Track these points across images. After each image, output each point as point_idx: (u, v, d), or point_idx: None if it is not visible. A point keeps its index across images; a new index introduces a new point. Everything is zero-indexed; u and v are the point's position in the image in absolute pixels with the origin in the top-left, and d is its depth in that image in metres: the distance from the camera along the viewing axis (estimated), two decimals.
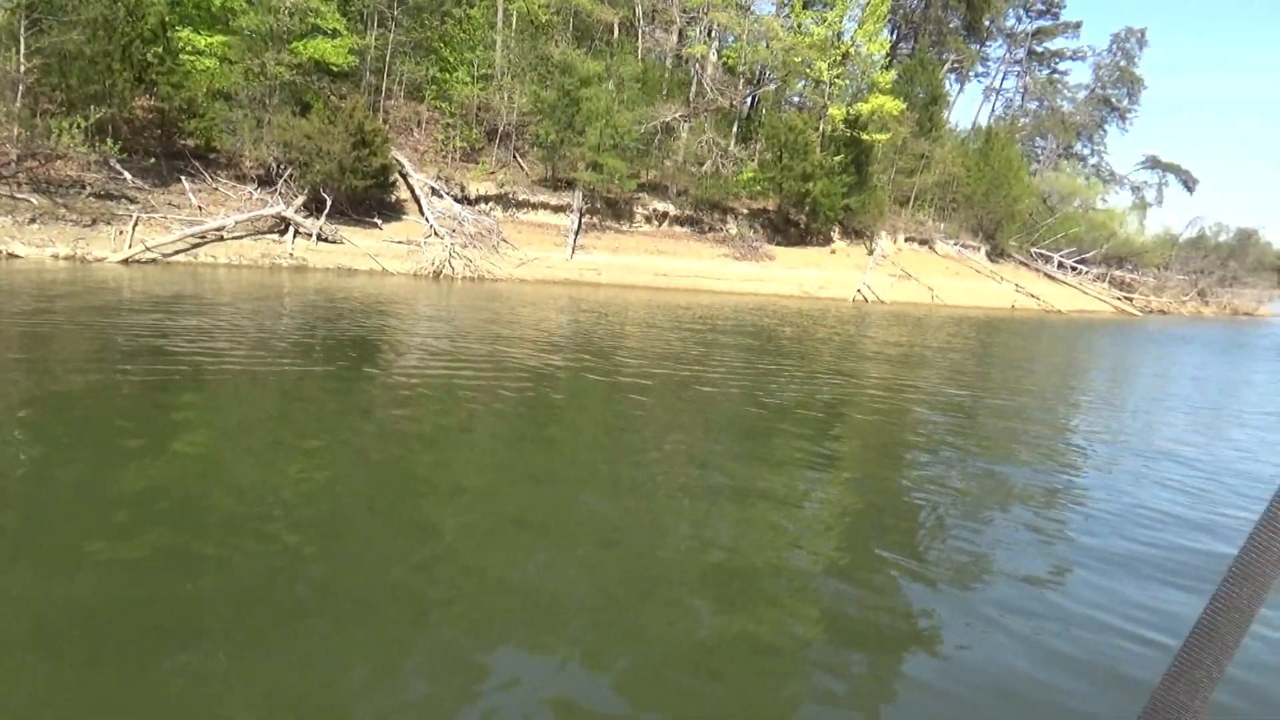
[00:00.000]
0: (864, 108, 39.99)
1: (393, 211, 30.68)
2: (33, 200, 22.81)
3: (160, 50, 26.29)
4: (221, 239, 24.94)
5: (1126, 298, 49.25)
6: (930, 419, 11.30)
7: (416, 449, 7.47)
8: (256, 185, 28.17)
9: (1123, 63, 70.92)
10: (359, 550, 5.15)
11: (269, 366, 10.71)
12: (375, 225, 29.22)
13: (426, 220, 30.27)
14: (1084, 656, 4.48)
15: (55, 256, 21.07)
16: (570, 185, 35.23)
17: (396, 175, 31.10)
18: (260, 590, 4.50)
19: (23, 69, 23.21)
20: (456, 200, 32.43)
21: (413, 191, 31.70)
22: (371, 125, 28.70)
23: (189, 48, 27.99)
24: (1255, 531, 0.48)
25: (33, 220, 22.14)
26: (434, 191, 31.95)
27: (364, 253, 27.17)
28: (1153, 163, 74.90)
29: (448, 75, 35.87)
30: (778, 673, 4.12)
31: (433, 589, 4.69)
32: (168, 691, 3.47)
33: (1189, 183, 74.38)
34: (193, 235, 24.19)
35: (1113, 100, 72.14)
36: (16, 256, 20.34)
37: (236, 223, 25.52)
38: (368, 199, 29.32)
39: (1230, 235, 59.38)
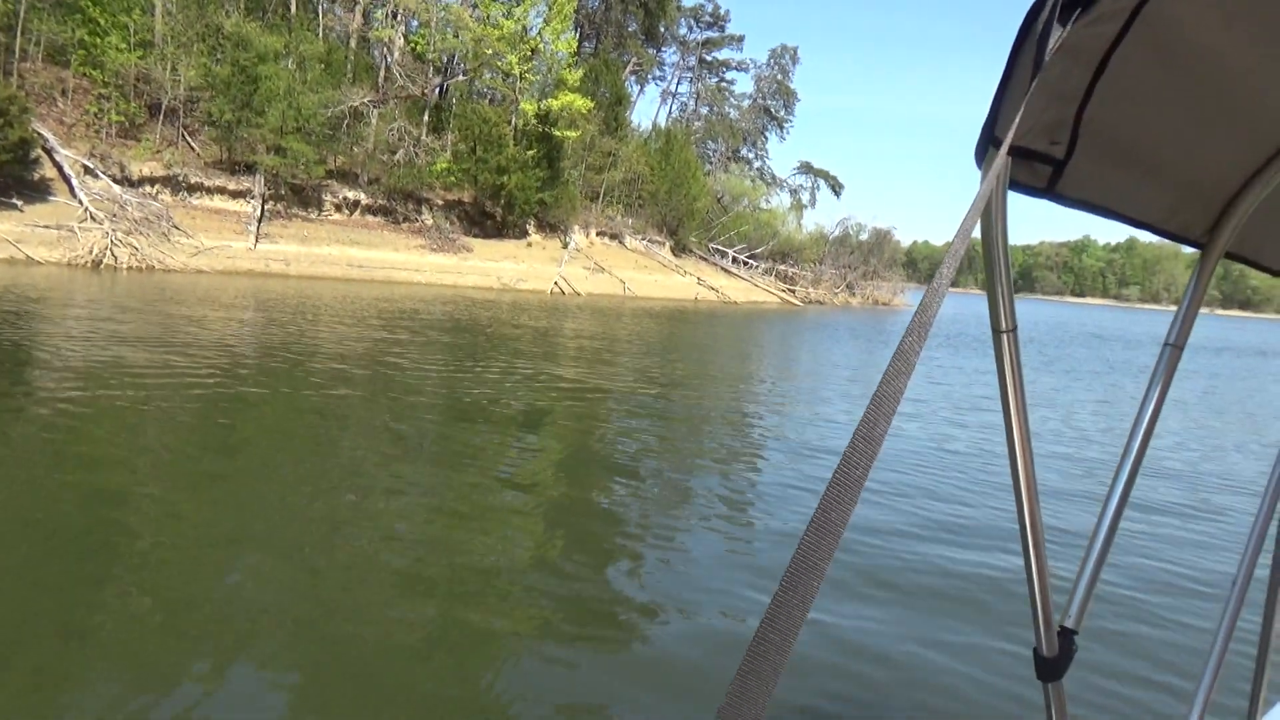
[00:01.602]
0: (554, 104, 40.91)
1: (35, 191, 26.74)
2: None
3: None
4: None
5: (790, 290, 54.59)
6: (626, 409, 11.85)
7: (79, 470, 6.48)
8: None
9: (779, 76, 78.39)
10: (24, 576, 4.53)
11: None
12: (14, 207, 25.34)
13: (80, 202, 26.74)
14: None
15: None
16: (250, 169, 32.74)
17: (39, 150, 27.16)
18: None
19: None
20: (115, 181, 28.93)
21: (60, 170, 27.85)
22: (6, 91, 24.87)
23: None
24: (809, 530, 0.49)
25: None
26: (87, 170, 28.31)
27: (1, 238, 23.50)
28: (806, 168, 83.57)
29: (98, 39, 31.75)
30: (479, 671, 4.06)
31: (111, 613, 4.21)
32: None
33: (836, 187, 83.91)
34: None
35: (772, 110, 79.49)
36: None
37: None
38: (2, 176, 25.35)
39: (868, 234, 67.51)
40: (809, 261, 60.29)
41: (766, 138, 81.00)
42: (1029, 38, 0.86)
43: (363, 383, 11.28)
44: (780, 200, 74.94)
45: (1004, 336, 1.15)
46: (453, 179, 39.87)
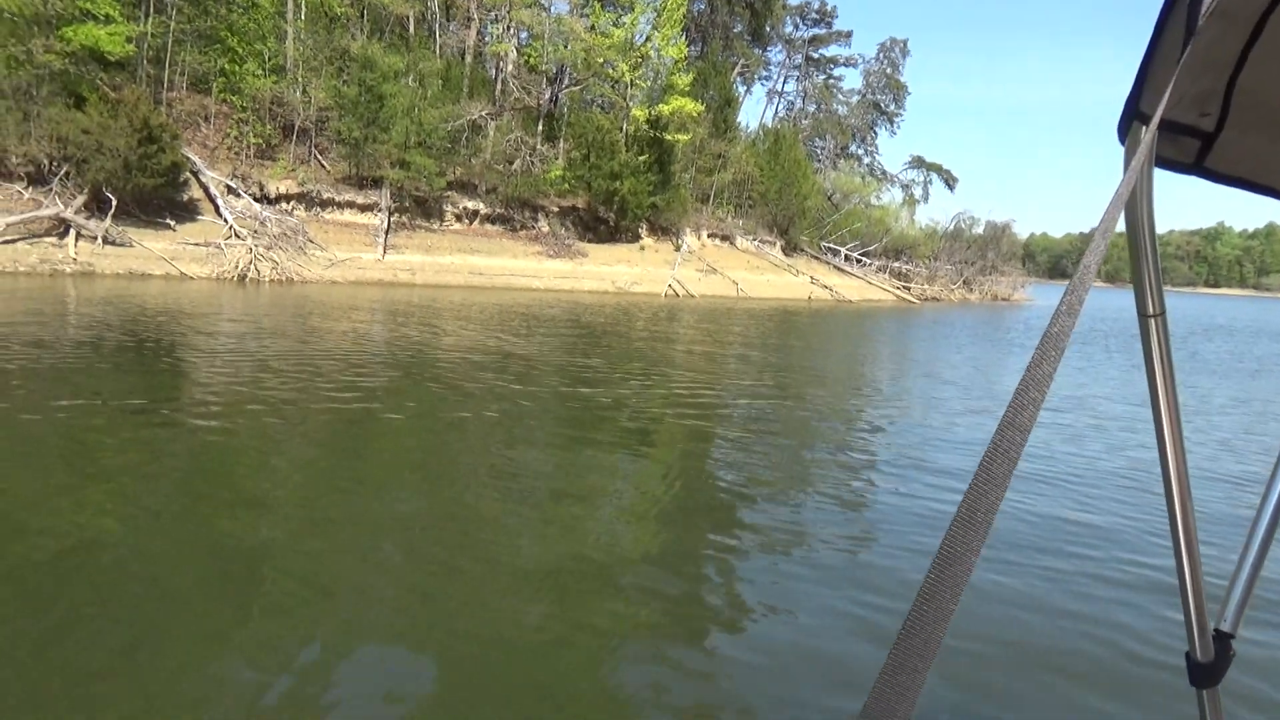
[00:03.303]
0: (665, 109, 41.24)
1: (186, 212, 28.63)
2: None
3: None
4: None
5: (905, 287, 53.52)
6: (739, 411, 11.85)
7: (227, 466, 7.02)
8: (26, 184, 25.49)
9: (889, 70, 76.93)
10: (167, 554, 4.94)
11: (57, 376, 9.90)
12: (168, 226, 27.19)
13: (225, 221, 28.48)
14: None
15: None
16: (377, 183, 34.18)
17: (188, 173, 29.05)
18: (59, 593, 4.29)
19: None
20: (255, 199, 30.70)
21: (206, 191, 29.71)
22: (159, 120, 26.69)
23: None
24: (956, 520, 0.49)
25: None
26: (230, 190, 30.11)
27: (158, 256, 25.26)
28: (918, 162, 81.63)
29: (236, 67, 33.80)
30: (594, 662, 4.13)
31: (252, 590, 4.56)
32: None
33: (950, 181, 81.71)
34: None
35: (881, 105, 78.07)
36: None
37: (8, 225, 23.02)
38: (157, 198, 27.25)
39: (980, 228, 65.53)
40: (923, 258, 58.96)
41: (876, 133, 79.65)
42: (1178, 4, 0.84)
43: (484, 386, 11.66)
44: (892, 196, 73.62)
45: (1152, 321, 1.11)
46: (567, 186, 40.68)
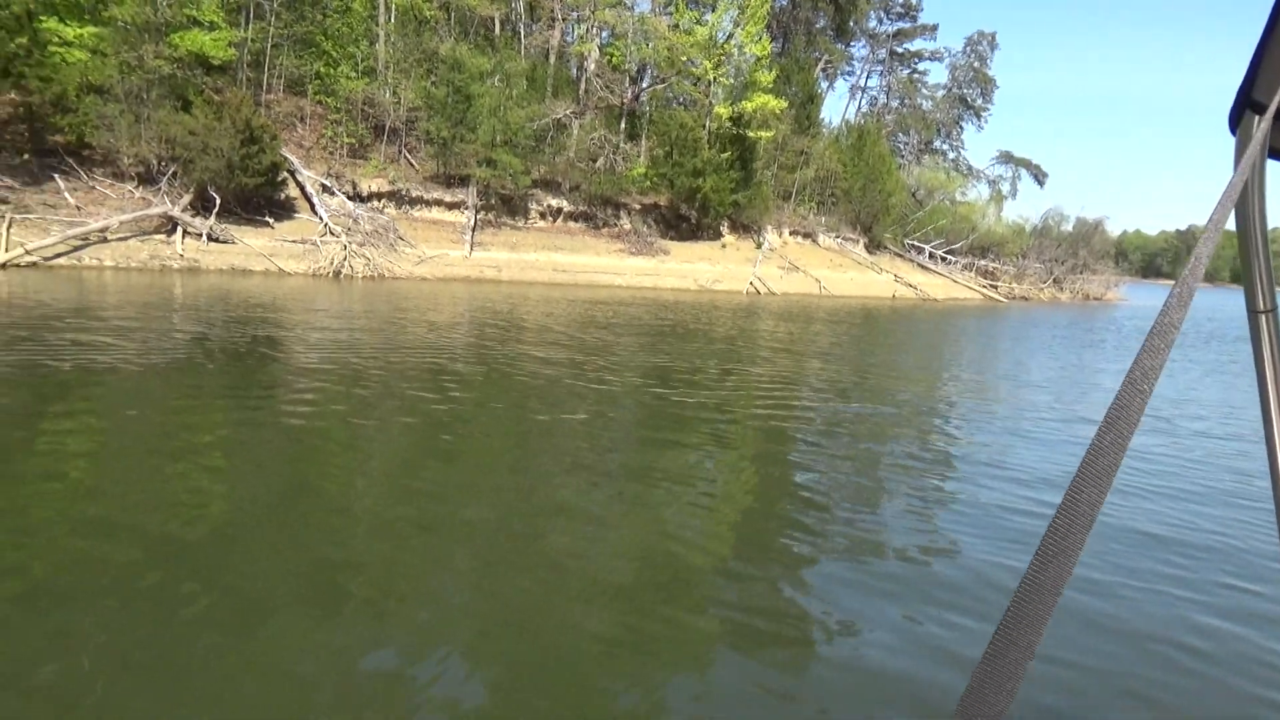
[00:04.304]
0: (748, 106, 41.06)
1: (284, 210, 29.65)
2: None
3: (26, 41, 24.60)
4: (105, 240, 23.59)
5: (992, 285, 52.29)
6: (820, 413, 11.72)
7: (318, 452, 7.28)
8: (137, 184, 26.73)
9: (976, 64, 75.21)
10: (259, 551, 5.07)
11: (164, 370, 10.39)
12: (267, 224, 28.20)
13: (320, 218, 29.41)
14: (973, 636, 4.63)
15: None
16: (464, 182, 34.85)
17: (286, 173, 30.07)
18: (159, 590, 4.42)
19: None
20: (349, 198, 31.62)
21: (303, 189, 30.72)
22: (260, 121, 27.68)
23: (57, 39, 26.26)
24: (1059, 512, 0.48)
25: None
26: (325, 189, 31.08)
27: (258, 252, 26.20)
28: (1006, 157, 79.73)
29: (331, 70, 34.92)
30: (659, 671, 4.09)
31: (338, 587, 4.65)
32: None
33: (1039, 176, 79.58)
34: (74, 237, 22.79)
35: (968, 99, 76.36)
36: None
37: (121, 223, 24.18)
38: (257, 197, 28.28)
39: (1070, 224, 63.56)
40: (1011, 255, 57.52)
41: (962, 128, 77.94)
42: None
43: (564, 383, 11.80)
44: (978, 192, 71.96)
45: (1262, 317, 1.07)
46: (649, 184, 40.86)
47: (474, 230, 34.01)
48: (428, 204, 34.57)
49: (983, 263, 55.34)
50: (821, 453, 8.67)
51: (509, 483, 6.88)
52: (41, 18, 25.81)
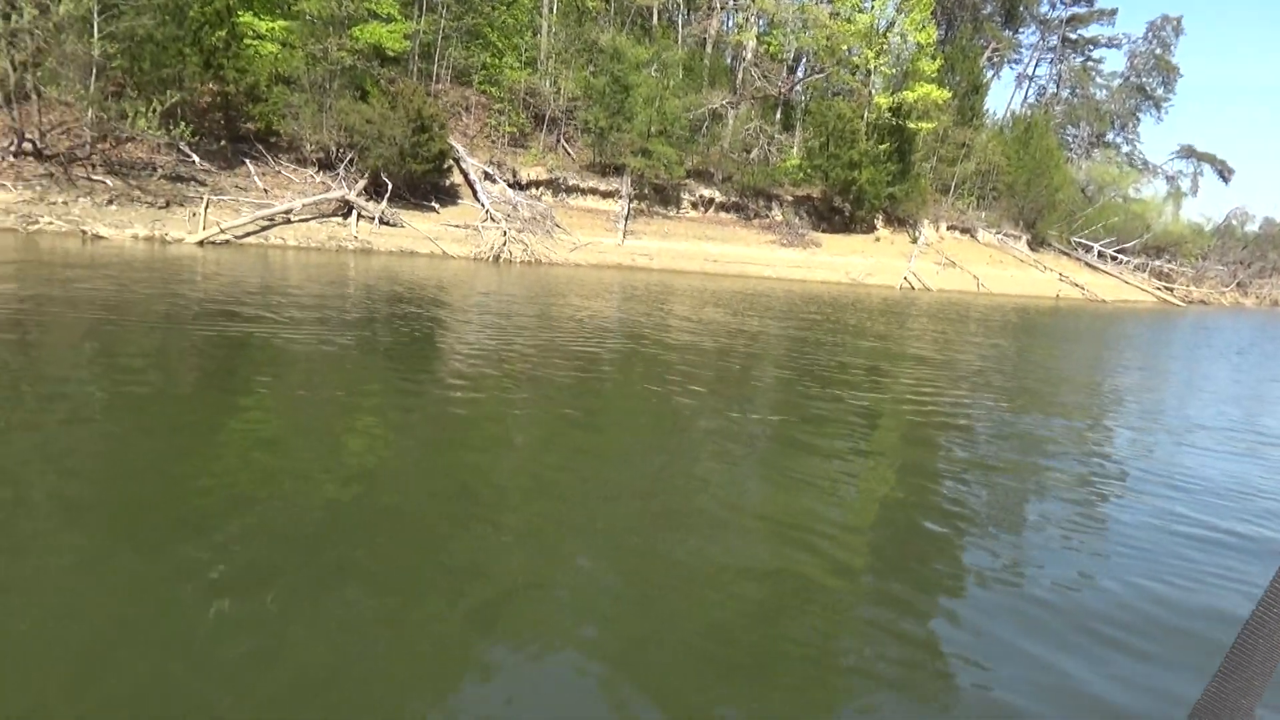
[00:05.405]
0: (909, 96, 39.89)
1: (448, 196, 30.92)
2: (108, 182, 23.17)
3: (225, 35, 26.54)
4: (289, 221, 25.24)
5: (1167, 288, 49.12)
6: (979, 426, 11.21)
7: (470, 433, 7.40)
8: (317, 169, 28.46)
9: (1158, 51, 70.45)
10: (405, 515, 5.22)
11: (337, 345, 10.96)
12: (433, 209, 29.49)
13: (481, 205, 30.49)
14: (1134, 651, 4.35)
15: (135, 237, 21.35)
16: (619, 171, 35.39)
17: (451, 160, 31.31)
18: (303, 555, 4.53)
19: (96, 53, 23.39)
20: (509, 185, 32.64)
21: (466, 176, 31.92)
22: (430, 110, 28.92)
23: (251, 33, 28.20)
24: None
25: (110, 202, 22.47)
26: (487, 176, 32.18)
27: (424, 236, 27.40)
28: (1188, 152, 74.48)
29: (496, 60, 36.10)
30: (806, 691, 3.95)
31: (480, 571, 4.67)
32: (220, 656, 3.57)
33: (1224, 173, 73.96)
34: (262, 218, 24.49)
35: (1147, 89, 71.68)
36: (101, 238, 20.62)
37: (303, 205, 25.81)
38: (424, 183, 29.60)
39: (1256, 225, 58.90)
40: (1189, 256, 53.82)
41: (1139, 120, 73.22)
42: None
43: (711, 372, 11.78)
44: (1154, 189, 67.48)
45: None
46: (802, 175, 40.37)
47: (627, 219, 34.52)
48: (583, 192, 35.30)
49: (1157, 263, 52.04)
50: (972, 464, 7.98)
51: (643, 476, 6.75)
52: (239, 12, 27.79)
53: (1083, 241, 50.79)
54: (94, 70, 23.56)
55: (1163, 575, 5.50)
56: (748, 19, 44.59)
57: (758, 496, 6.59)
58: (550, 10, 37.50)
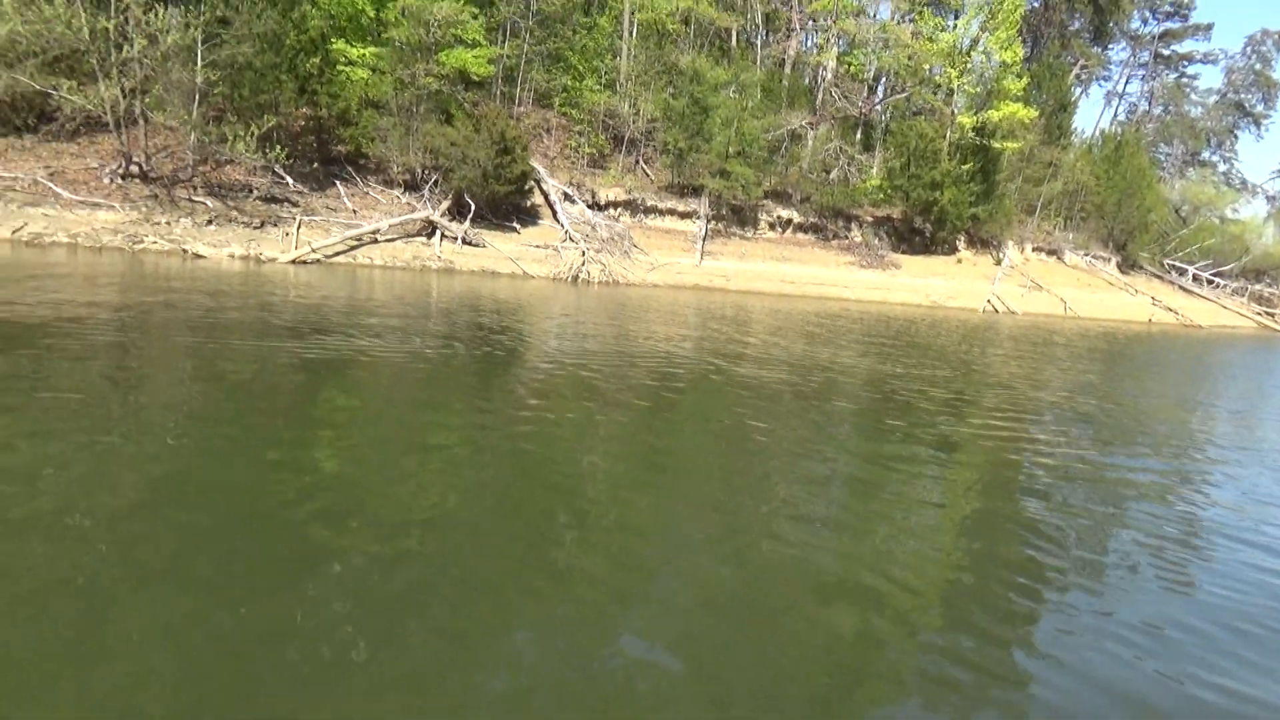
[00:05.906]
0: (994, 115, 39.10)
1: (529, 216, 31.41)
2: (208, 203, 24.20)
3: (319, 61, 27.53)
4: (375, 241, 25.95)
5: (1268, 313, 47.04)
6: (1063, 461, 10.85)
7: (545, 451, 7.48)
8: (403, 190, 29.24)
9: (1258, 66, 67.95)
10: (485, 531, 5.37)
11: (418, 360, 11.21)
12: (514, 230, 29.98)
13: (561, 225, 30.90)
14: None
15: (232, 256, 22.21)
16: (696, 192, 35.50)
17: (532, 182, 31.83)
18: (391, 559, 4.73)
19: (199, 80, 24.49)
20: (588, 206, 33.01)
21: (546, 197, 32.39)
22: (513, 133, 29.47)
23: (343, 59, 29.17)
24: None
25: (209, 222, 23.45)
26: (566, 197, 32.60)
27: (505, 256, 27.88)
28: None
29: (577, 83, 36.66)
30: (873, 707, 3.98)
31: (543, 589, 4.72)
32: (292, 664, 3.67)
33: None
34: (351, 238, 25.25)
35: (1246, 105, 69.11)
36: (200, 257, 21.53)
37: (390, 226, 26.52)
38: (505, 204, 30.14)
39: None
40: None
41: (1237, 137, 70.66)
42: None
43: (788, 392, 11.70)
44: (1254, 209, 64.86)
45: None
46: (882, 196, 39.91)
47: (704, 239, 34.57)
48: (661, 213, 35.49)
49: (1256, 287, 49.94)
50: (1057, 497, 7.63)
51: (720, 497, 6.78)
52: (333, 40, 28.79)
53: (1176, 264, 49.07)
54: (197, 96, 24.66)
55: (1258, 619, 5.30)
56: (828, 39, 44.42)
57: (830, 524, 6.43)
58: (630, 33, 37.88)
